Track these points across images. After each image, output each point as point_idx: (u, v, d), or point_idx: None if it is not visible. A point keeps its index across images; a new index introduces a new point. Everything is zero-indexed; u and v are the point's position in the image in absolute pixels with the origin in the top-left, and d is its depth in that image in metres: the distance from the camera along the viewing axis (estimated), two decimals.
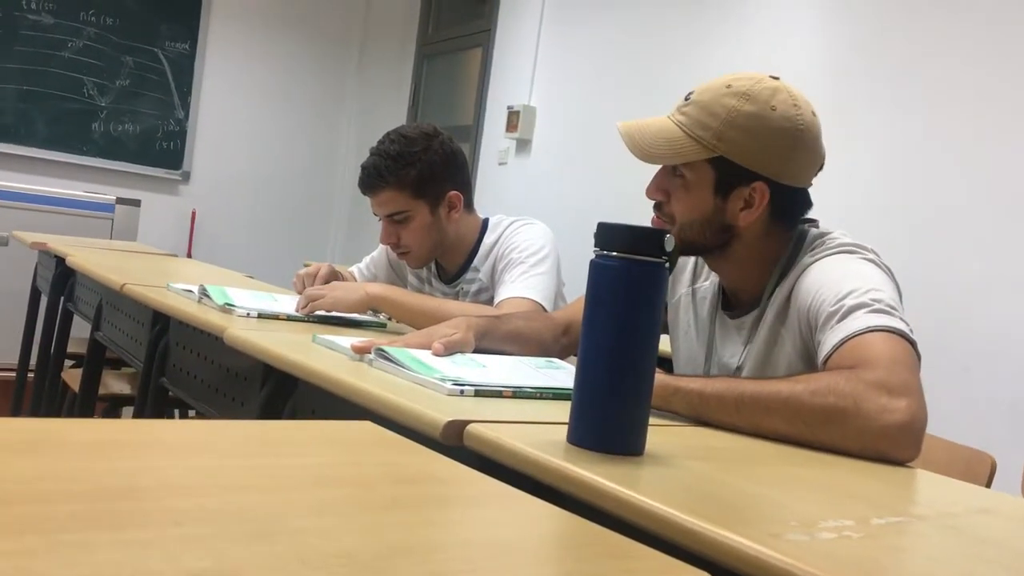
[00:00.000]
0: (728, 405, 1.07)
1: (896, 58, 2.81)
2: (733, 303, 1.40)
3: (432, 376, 1.16)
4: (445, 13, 5.52)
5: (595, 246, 0.89)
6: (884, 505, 0.87)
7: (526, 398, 1.15)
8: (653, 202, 1.36)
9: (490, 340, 1.42)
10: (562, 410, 0.95)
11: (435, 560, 0.56)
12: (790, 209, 1.32)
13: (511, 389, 1.16)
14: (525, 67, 4.51)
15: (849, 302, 1.14)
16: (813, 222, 1.38)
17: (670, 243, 0.88)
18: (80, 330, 2.95)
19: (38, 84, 5.22)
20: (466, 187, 1.96)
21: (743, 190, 1.27)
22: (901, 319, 1.13)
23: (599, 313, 0.88)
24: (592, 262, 0.89)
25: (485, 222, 1.98)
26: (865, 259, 1.25)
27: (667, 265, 0.88)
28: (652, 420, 0.90)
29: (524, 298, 1.75)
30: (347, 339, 1.39)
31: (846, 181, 2.75)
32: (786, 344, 1.27)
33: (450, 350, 1.32)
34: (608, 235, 0.88)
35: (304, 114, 6.03)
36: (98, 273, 2.35)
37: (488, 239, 1.94)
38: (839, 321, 1.14)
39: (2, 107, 5.13)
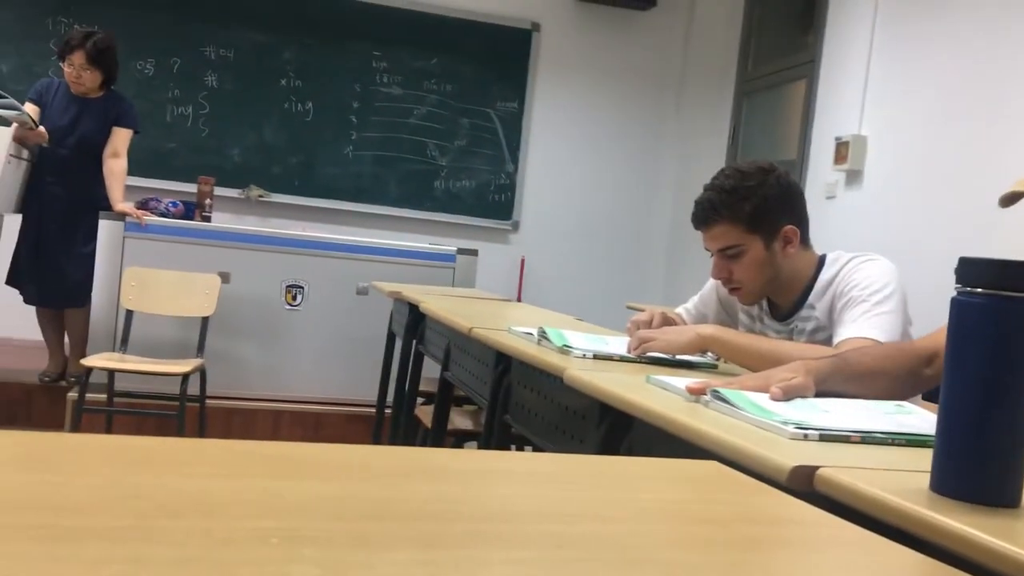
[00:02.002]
0: None
1: None
2: None
3: (772, 419, 1.14)
4: (764, 48, 5.44)
5: (956, 282, 0.84)
6: None
7: (876, 444, 1.10)
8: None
9: (833, 383, 1.37)
10: (917, 457, 0.90)
11: None
12: None
13: (860, 434, 1.11)
14: (854, 95, 4.31)
15: None
16: None
17: None
18: (430, 370, 3.23)
19: (390, 149, 5.85)
20: (803, 222, 1.91)
21: None
22: None
23: (965, 354, 0.82)
24: (955, 300, 0.84)
25: (822, 258, 1.92)
26: None
27: None
28: None
29: (867, 338, 1.66)
30: (681, 380, 1.41)
31: None
32: None
33: (789, 395, 1.29)
34: (972, 270, 0.82)
35: (624, 159, 6.20)
36: (448, 318, 2.57)
37: (825, 275, 1.88)
38: None
39: (362, 171, 5.81)
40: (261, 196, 5.57)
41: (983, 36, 3.58)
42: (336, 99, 5.77)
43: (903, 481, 0.87)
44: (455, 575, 0.53)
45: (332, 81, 5.75)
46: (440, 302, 3.01)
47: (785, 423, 1.11)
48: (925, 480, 0.85)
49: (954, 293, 0.85)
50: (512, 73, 6.00)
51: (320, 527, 0.59)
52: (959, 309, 0.83)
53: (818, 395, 1.34)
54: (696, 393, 1.30)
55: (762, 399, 1.26)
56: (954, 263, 0.85)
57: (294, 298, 4.45)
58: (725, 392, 1.25)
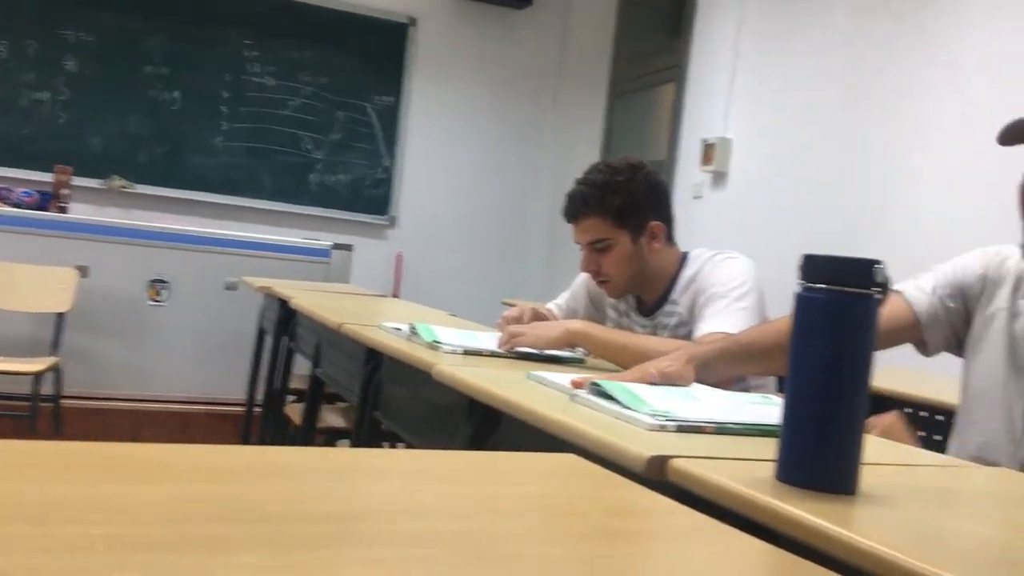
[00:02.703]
0: None
1: None
2: None
3: (641, 409, 1.17)
4: (636, 51, 5.57)
5: (800, 278, 0.88)
6: None
7: (730, 434, 1.14)
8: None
9: (722, 367, 1.42)
10: (767, 447, 0.93)
11: None
12: None
13: (714, 425, 1.15)
14: (720, 99, 4.46)
15: None
16: None
17: (880, 274, 0.85)
18: (301, 367, 3.17)
19: (262, 141, 5.70)
20: (668, 219, 1.97)
21: None
22: None
23: (806, 347, 0.86)
24: (797, 295, 0.87)
25: (685, 255, 1.98)
26: None
27: (878, 296, 0.85)
28: (868, 458, 0.87)
29: (725, 333, 1.72)
30: (561, 376, 1.44)
31: None
32: None
33: (665, 380, 1.34)
34: (814, 267, 0.86)
35: (501, 156, 6.24)
36: (318, 314, 2.53)
37: (688, 272, 1.93)
38: None
39: (233, 163, 5.63)
40: (124, 187, 5.32)
41: (842, 46, 3.77)
42: (205, 88, 5.57)
43: (751, 470, 0.91)
44: None
45: (201, 69, 5.55)
46: (312, 298, 2.96)
47: (654, 413, 1.14)
48: (772, 469, 0.89)
49: (799, 289, 0.88)
50: (389, 67, 5.93)
51: (154, 532, 0.57)
52: (801, 304, 0.87)
53: (709, 381, 1.38)
54: (578, 386, 1.32)
55: (638, 388, 1.29)
56: None
57: (158, 294, 4.28)
58: (605, 384, 1.28)
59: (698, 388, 1.42)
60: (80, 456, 0.75)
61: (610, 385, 1.28)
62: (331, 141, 5.83)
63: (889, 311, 1.51)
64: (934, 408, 2.08)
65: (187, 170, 5.54)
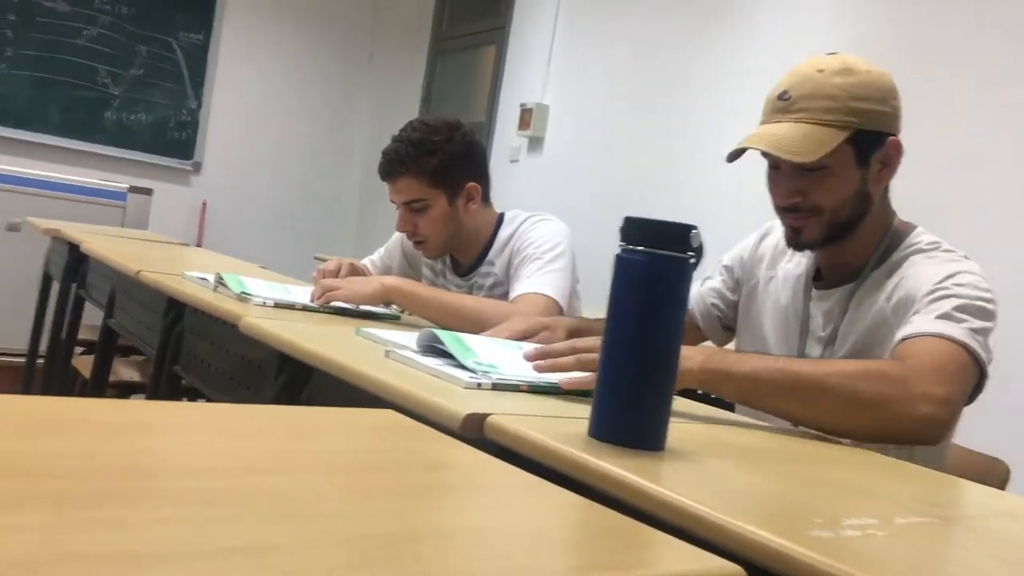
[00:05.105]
0: (783, 388, 1.09)
1: (907, 54, 2.80)
2: (825, 276, 1.42)
3: (466, 360, 1.17)
4: (459, 10, 5.52)
5: (620, 240, 0.89)
6: (907, 505, 0.87)
7: (543, 393, 1.15)
8: (787, 207, 1.35)
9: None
10: (578, 406, 0.95)
11: (460, 544, 0.56)
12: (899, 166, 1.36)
13: (527, 383, 1.15)
14: (539, 65, 4.51)
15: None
16: None
17: (696, 239, 0.87)
18: (91, 317, 2.96)
19: (52, 71, 5.23)
20: (485, 180, 1.96)
21: (879, 152, 1.32)
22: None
23: (623, 307, 0.88)
24: (617, 256, 0.89)
25: (501, 216, 1.99)
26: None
27: (693, 261, 0.88)
28: (671, 417, 0.90)
29: (540, 294, 1.74)
30: (389, 333, 1.41)
31: None
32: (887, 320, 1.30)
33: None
34: (634, 229, 0.88)
35: (316, 107, 6.04)
36: (113, 260, 2.36)
37: (504, 233, 1.94)
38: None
39: (17, 94, 5.15)
40: None
41: (659, 18, 3.89)
42: None
43: (564, 428, 0.92)
44: (82, 537, 0.47)
45: None
46: (106, 243, 2.76)
47: (478, 367, 1.14)
48: (584, 427, 0.90)
49: (619, 250, 0.89)
50: (198, 3, 5.59)
51: None
52: (620, 265, 0.88)
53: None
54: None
55: (468, 338, 1.28)
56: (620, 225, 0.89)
57: None
58: (439, 332, 1.26)
59: (525, 344, 1.43)
60: None
61: (442, 333, 1.27)
62: (131, 77, 5.44)
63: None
64: None
65: None
